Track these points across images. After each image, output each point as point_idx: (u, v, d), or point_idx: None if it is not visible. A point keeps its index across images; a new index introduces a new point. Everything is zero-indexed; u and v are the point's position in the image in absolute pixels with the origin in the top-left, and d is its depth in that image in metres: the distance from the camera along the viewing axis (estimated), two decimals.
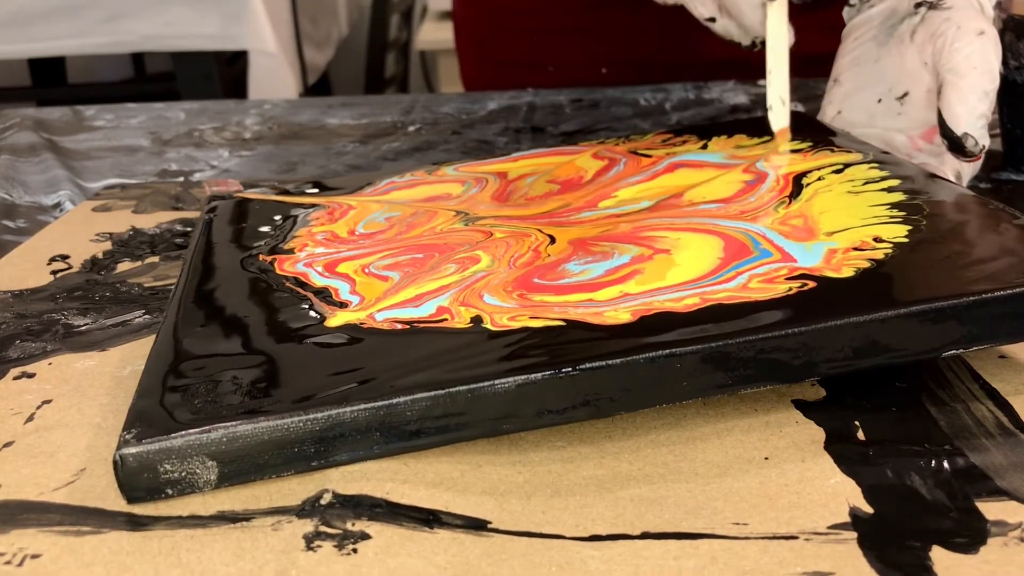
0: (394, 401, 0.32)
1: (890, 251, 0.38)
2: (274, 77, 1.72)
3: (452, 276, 0.40)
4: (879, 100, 0.52)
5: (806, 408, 0.35)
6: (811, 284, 0.36)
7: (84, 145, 0.74)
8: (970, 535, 0.29)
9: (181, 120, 0.80)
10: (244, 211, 0.50)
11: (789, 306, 0.35)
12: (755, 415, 0.35)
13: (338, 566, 0.28)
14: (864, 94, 0.53)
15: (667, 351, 0.32)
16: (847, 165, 0.47)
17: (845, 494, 0.31)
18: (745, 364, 0.33)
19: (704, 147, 0.52)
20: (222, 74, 1.80)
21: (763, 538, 0.29)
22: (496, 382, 0.32)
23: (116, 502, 0.32)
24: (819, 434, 0.34)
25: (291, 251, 0.45)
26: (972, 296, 0.34)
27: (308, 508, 0.31)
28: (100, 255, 0.53)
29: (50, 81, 2.26)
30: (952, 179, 0.47)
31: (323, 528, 0.30)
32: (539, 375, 0.32)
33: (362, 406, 0.32)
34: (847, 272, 0.36)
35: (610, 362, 0.32)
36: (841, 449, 0.33)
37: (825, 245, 0.39)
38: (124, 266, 0.51)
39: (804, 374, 0.34)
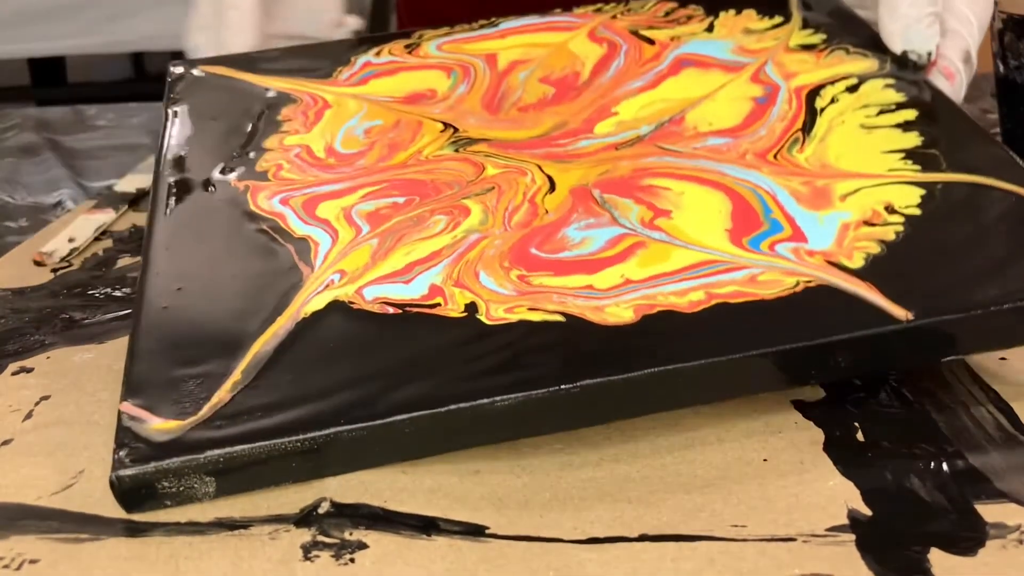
0: (393, 420, 0.32)
1: (901, 230, 0.37)
2: None
3: (443, 236, 0.39)
4: None
5: (805, 409, 0.35)
6: (819, 282, 0.35)
7: (86, 144, 0.74)
8: (969, 537, 0.29)
9: None
10: (210, 100, 0.49)
11: (795, 308, 0.34)
12: (754, 416, 0.35)
13: None
14: None
15: (671, 366, 0.32)
16: (861, 80, 0.46)
17: (844, 496, 0.31)
18: (746, 374, 0.33)
19: (710, 28, 0.51)
20: None
21: (761, 540, 0.29)
22: (496, 399, 0.32)
23: (114, 508, 0.32)
24: (818, 435, 0.34)
25: (264, 174, 0.43)
26: (979, 310, 0.33)
27: (306, 517, 0.31)
28: (100, 252, 0.53)
29: (50, 81, 2.26)
30: (960, 62, 0.47)
31: (321, 537, 0.30)
32: (541, 391, 0.32)
33: (360, 425, 0.31)
34: (858, 259, 0.36)
35: (612, 378, 0.32)
36: (840, 451, 0.33)
37: (839, 217, 0.38)
38: (124, 263, 0.51)
39: (804, 381, 0.34)
